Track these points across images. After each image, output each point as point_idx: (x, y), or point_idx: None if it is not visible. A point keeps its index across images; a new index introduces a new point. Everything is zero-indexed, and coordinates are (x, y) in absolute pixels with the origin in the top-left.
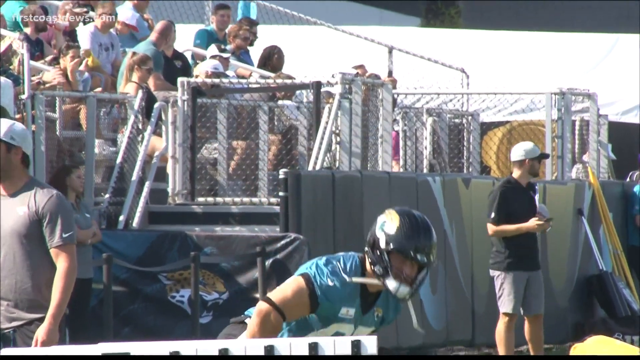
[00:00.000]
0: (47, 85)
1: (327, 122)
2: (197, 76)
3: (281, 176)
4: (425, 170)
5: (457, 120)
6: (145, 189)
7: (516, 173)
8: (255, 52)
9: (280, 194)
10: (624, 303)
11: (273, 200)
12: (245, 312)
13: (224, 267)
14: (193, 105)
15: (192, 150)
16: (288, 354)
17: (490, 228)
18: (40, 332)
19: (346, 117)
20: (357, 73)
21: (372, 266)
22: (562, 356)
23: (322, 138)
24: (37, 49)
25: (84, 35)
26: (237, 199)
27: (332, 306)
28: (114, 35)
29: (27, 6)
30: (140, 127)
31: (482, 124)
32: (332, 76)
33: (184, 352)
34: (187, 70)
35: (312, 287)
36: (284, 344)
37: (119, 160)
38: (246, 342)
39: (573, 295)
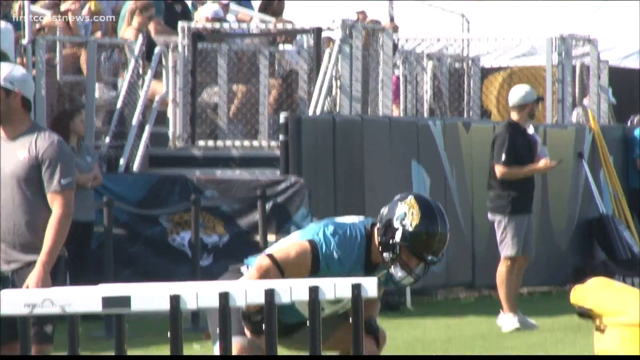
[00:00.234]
0: (47, 29)
1: (327, 67)
2: (197, 22)
3: (282, 120)
4: (425, 115)
5: (457, 65)
6: (146, 133)
7: (516, 116)
8: None
9: (281, 137)
10: (625, 246)
11: (273, 143)
12: (245, 261)
13: (225, 210)
14: (193, 50)
15: (193, 95)
16: (288, 296)
17: (500, 170)
18: (31, 279)
19: (346, 61)
20: (358, 18)
21: (380, 246)
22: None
23: (323, 82)
24: None
25: None
26: (237, 143)
27: (332, 276)
28: None
29: None
30: (140, 71)
31: (482, 68)
32: (333, 22)
33: (184, 295)
34: (187, 15)
35: (316, 254)
36: (284, 287)
37: (119, 104)
38: (247, 285)
39: (574, 238)
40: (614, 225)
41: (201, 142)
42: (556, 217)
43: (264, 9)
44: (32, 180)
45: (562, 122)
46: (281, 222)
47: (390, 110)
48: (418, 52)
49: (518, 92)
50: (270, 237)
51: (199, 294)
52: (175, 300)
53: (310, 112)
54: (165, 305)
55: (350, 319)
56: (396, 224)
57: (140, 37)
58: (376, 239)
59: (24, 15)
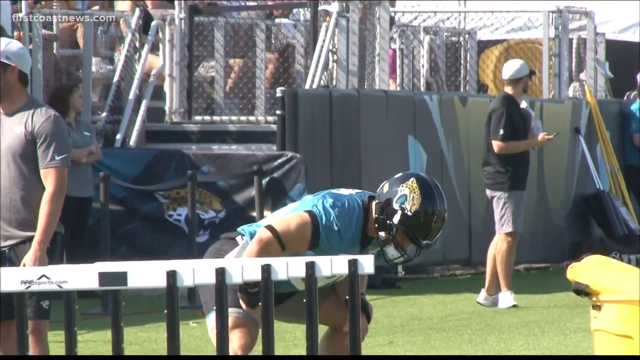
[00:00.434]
0: (44, 3)
1: (324, 41)
2: None
3: (278, 94)
4: (422, 89)
5: (454, 39)
6: (143, 108)
7: (511, 90)
8: None
9: (278, 112)
10: (621, 222)
11: (270, 118)
12: (238, 229)
13: (221, 186)
14: (190, 23)
15: (189, 69)
16: (285, 273)
17: (498, 145)
18: (28, 258)
19: (343, 35)
20: None
21: (376, 224)
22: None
23: (319, 56)
24: None
25: None
26: (234, 118)
27: (331, 248)
28: None
29: None
30: (137, 45)
31: (479, 42)
32: None
33: (180, 271)
34: None
35: (316, 226)
36: (281, 263)
37: (116, 78)
38: (243, 262)
39: (570, 214)
40: (610, 201)
41: (198, 117)
42: (553, 193)
43: None
44: (28, 156)
45: (558, 97)
46: (277, 197)
47: (386, 84)
48: (415, 25)
49: (513, 66)
50: (267, 213)
51: (196, 271)
52: (171, 276)
53: (307, 86)
54: (161, 282)
55: (347, 295)
56: (395, 205)
57: (137, 11)
58: (374, 214)
59: None
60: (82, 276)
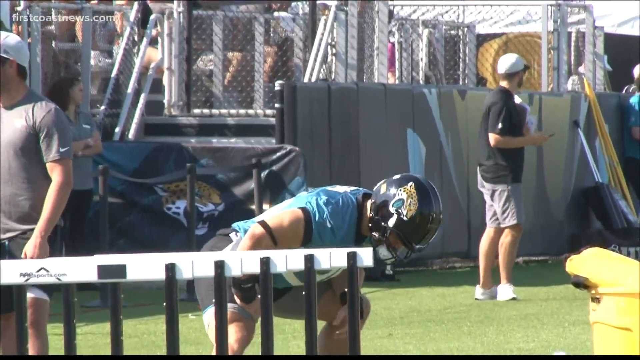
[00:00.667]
0: None
1: (323, 34)
2: None
3: (277, 88)
4: (421, 82)
5: (452, 32)
6: (141, 101)
7: (507, 84)
8: None
9: (276, 105)
10: (620, 215)
11: (269, 112)
12: (233, 225)
13: (220, 179)
14: (189, 17)
15: (188, 62)
16: (284, 265)
17: (495, 139)
18: (29, 247)
19: (342, 28)
20: None
21: (371, 223)
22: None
23: (318, 50)
24: None
25: None
26: (232, 111)
27: (324, 246)
28: None
29: None
30: (136, 39)
31: (478, 35)
32: None
33: (179, 264)
34: None
35: (309, 222)
36: (279, 256)
37: (114, 72)
38: (242, 254)
39: (569, 207)
40: (609, 194)
41: (196, 110)
42: (552, 186)
43: None
44: (28, 149)
45: (557, 90)
46: (276, 190)
47: (385, 77)
48: (413, 19)
49: (508, 60)
50: (266, 206)
51: (195, 263)
52: (170, 269)
53: (306, 79)
54: (160, 274)
55: (345, 289)
56: (392, 209)
57: (136, 4)
58: (368, 213)
59: None
60: (81, 269)
